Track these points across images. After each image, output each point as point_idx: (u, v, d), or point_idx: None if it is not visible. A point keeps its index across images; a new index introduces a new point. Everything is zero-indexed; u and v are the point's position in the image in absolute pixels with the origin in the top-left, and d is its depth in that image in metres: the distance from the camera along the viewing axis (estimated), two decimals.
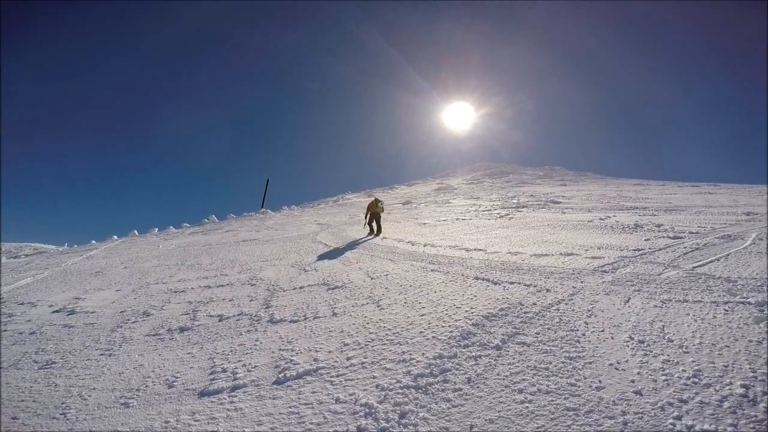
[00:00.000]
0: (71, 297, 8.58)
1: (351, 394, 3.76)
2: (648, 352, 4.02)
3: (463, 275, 6.80)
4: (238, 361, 4.74)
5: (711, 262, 6.64)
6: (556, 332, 4.56)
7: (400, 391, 3.71)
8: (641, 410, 3.14)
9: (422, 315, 5.24)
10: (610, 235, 9.45)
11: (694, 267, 6.45)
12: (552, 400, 3.38)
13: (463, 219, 13.80)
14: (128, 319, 6.72)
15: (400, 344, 4.56)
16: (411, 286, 6.51)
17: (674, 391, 3.34)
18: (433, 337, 4.62)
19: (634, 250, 7.75)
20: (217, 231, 18.61)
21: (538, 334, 4.55)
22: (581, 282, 6.14)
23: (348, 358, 4.41)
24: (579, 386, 3.55)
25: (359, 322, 5.30)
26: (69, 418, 3.99)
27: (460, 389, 3.66)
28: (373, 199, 12.63)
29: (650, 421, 3.02)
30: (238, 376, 4.38)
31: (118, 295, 8.38)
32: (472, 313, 5.14)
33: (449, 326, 4.83)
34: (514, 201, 18.17)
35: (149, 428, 3.65)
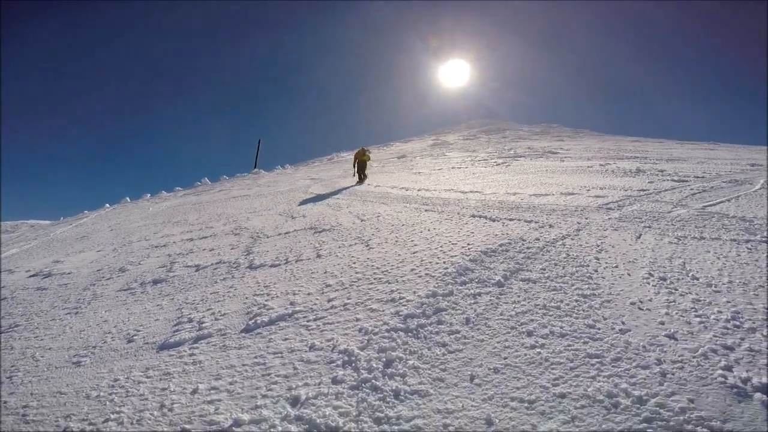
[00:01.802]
0: (50, 261, 7.87)
1: (329, 340, 3.10)
2: (673, 291, 3.38)
3: (458, 214, 6.08)
4: (207, 309, 4.08)
5: (721, 202, 6.01)
6: (564, 268, 3.89)
7: (386, 334, 3.05)
8: (680, 358, 2.47)
9: (414, 252, 4.54)
10: (611, 178, 8.71)
11: (704, 206, 5.78)
12: (569, 345, 2.71)
13: (459, 168, 12.95)
14: (103, 277, 6.05)
15: (389, 283, 3.89)
16: (403, 225, 5.80)
17: (714, 336, 2.68)
18: (426, 274, 3.94)
19: (638, 190, 7.04)
20: (209, 192, 17.76)
21: (544, 270, 3.87)
22: (586, 218, 5.44)
23: (329, 300, 3.74)
24: (599, 328, 2.90)
25: (345, 262, 4.61)
26: (14, 382, 3.35)
27: (458, 331, 2.99)
28: (360, 148, 12.58)
29: (694, 372, 2.35)
30: (204, 325, 3.72)
31: (98, 255, 7.68)
32: (469, 249, 4.44)
33: (444, 262, 4.14)
34: (510, 152, 17.24)
35: (95, 387, 3.01)
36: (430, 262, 4.20)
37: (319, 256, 4.99)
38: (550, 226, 5.11)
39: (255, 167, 26.05)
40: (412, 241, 4.98)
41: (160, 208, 14.11)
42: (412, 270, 4.08)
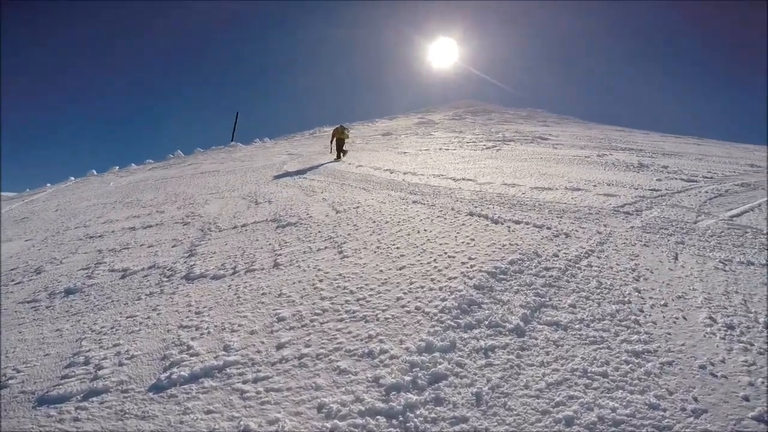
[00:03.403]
0: None
1: (271, 423, 1.95)
2: (748, 346, 2.42)
3: (453, 209, 4.91)
4: (114, 345, 2.84)
5: (746, 212, 5.06)
6: (600, 305, 2.83)
7: (358, 421, 1.91)
8: None
9: (401, 269, 3.37)
10: (614, 171, 7.68)
11: (730, 216, 4.82)
12: None
13: (446, 149, 11.71)
14: (12, 280, 4.62)
15: (366, 321, 2.72)
16: (387, 222, 4.58)
17: None
18: (417, 309, 2.79)
19: (650, 190, 6.03)
20: (180, 165, 16.02)
21: (575, 307, 2.79)
22: (605, 226, 4.37)
23: (279, 346, 2.55)
24: (664, 409, 1.89)
25: (309, 278, 3.40)
26: None
27: (465, 419, 1.89)
28: (338, 126, 11.72)
29: None
30: (102, 373, 2.50)
31: (22, 247, 6.18)
32: (471, 266, 3.30)
33: (441, 289, 2.99)
34: (498, 135, 16.06)
35: None
36: (422, 287, 3.04)
37: (276, 265, 3.76)
38: (566, 235, 4.02)
39: (232, 140, 24.07)
40: (397, 248, 3.79)
41: (121, 184, 12.45)
42: (398, 299, 2.92)
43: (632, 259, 3.57)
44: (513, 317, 2.68)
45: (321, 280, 3.32)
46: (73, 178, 18.43)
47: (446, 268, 3.29)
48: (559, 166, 8.26)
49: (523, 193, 5.65)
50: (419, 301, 2.88)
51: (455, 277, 3.15)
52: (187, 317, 3.12)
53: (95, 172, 19.04)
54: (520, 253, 3.53)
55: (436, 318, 2.68)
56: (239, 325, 2.88)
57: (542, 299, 2.90)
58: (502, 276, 3.18)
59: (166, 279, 3.92)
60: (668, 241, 4.02)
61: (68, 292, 4.01)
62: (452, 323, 2.60)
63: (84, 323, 3.31)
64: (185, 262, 4.24)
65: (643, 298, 2.94)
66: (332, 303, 2.98)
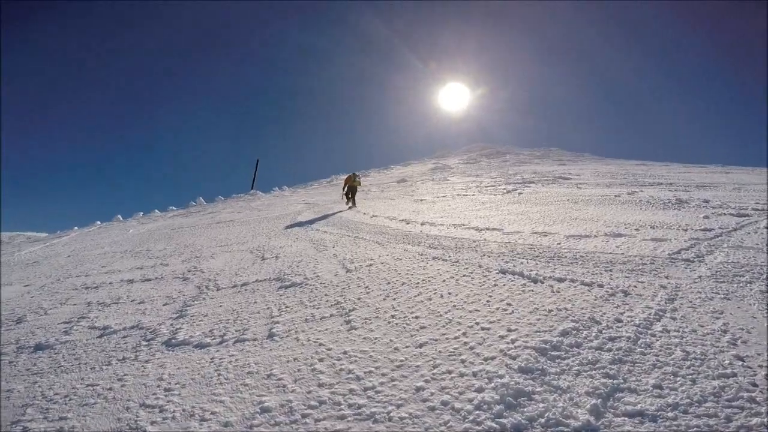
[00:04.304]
0: None
1: None
2: None
3: (480, 266, 4.17)
4: (60, 419, 2.37)
5: None
6: (695, 382, 2.08)
7: None
8: None
9: (421, 345, 2.63)
10: (653, 211, 6.86)
11: None
12: None
13: (464, 195, 11.13)
14: None
15: (375, 422, 1.98)
16: (404, 284, 3.87)
17: None
18: (444, 404, 2.04)
19: (701, 230, 5.21)
20: (199, 213, 15.97)
21: (661, 388, 2.04)
22: (667, 278, 3.56)
23: None
24: None
25: (307, 355, 2.69)
26: None
27: None
28: (351, 173, 11.63)
29: None
30: None
31: (18, 293, 5.78)
32: (512, 342, 2.55)
33: (474, 375, 2.24)
34: (517, 178, 15.48)
35: None
36: (449, 373, 2.30)
37: (270, 335, 3.07)
38: (625, 293, 3.23)
39: (252, 188, 24.34)
40: (416, 317, 3.06)
41: (139, 231, 12.29)
42: (418, 390, 2.17)
43: (717, 318, 2.75)
44: (579, 411, 1.91)
45: (321, 359, 2.61)
46: (99, 222, 18.66)
47: (480, 344, 2.53)
48: (590, 208, 7.50)
49: (559, 243, 4.89)
50: (446, 393, 2.13)
51: (493, 357, 2.39)
52: (153, 394, 2.48)
53: (120, 217, 19.26)
54: (572, 321, 2.76)
55: (470, 418, 1.93)
56: (212, 413, 2.20)
57: (615, 381, 2.11)
58: (554, 353, 2.40)
59: (145, 343, 3.30)
60: (751, 290, 3.19)
61: (38, 348, 3.54)
62: (494, 425, 1.83)
63: (39, 387, 2.79)
64: (171, 324, 3.62)
65: (750, 367, 2.13)
66: (332, 392, 2.25)
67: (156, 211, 20.09)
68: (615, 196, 8.81)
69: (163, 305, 4.22)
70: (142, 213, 20.13)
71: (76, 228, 18.27)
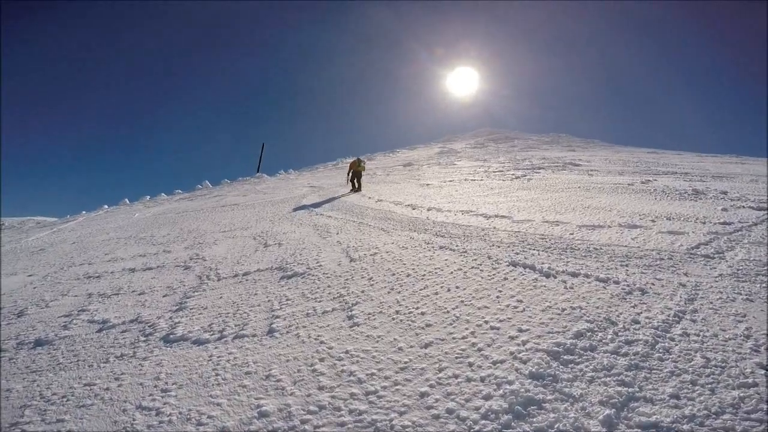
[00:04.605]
0: None
1: None
2: None
3: (489, 257, 4.00)
4: (58, 421, 2.33)
5: None
6: (714, 392, 1.96)
7: None
8: None
9: (426, 346, 2.49)
10: (668, 201, 6.58)
11: None
12: None
13: (472, 180, 10.87)
14: None
15: (378, 430, 1.87)
16: (409, 276, 3.72)
17: None
18: (449, 411, 1.92)
19: (720, 223, 4.96)
20: (205, 197, 15.90)
21: (679, 398, 1.93)
22: (686, 275, 3.37)
23: None
24: None
25: (307, 354, 2.58)
26: None
27: None
28: (355, 158, 11.46)
29: None
30: None
31: (21, 283, 5.75)
32: (523, 343, 2.40)
33: (482, 380, 2.11)
34: (526, 163, 15.11)
35: None
36: (456, 377, 2.16)
37: (270, 331, 2.96)
38: (642, 291, 3.05)
39: (258, 171, 24.19)
40: (422, 313, 2.92)
41: (145, 216, 12.28)
42: (423, 396, 2.05)
43: (740, 321, 2.58)
44: (591, 422, 1.78)
45: (322, 359, 2.49)
46: (106, 206, 18.75)
47: (488, 346, 2.39)
48: (603, 196, 7.24)
49: (571, 234, 4.69)
50: (452, 400, 2.00)
51: (502, 361, 2.25)
52: (150, 395, 2.40)
53: (127, 201, 19.31)
54: (587, 321, 2.60)
55: (476, 429, 1.81)
56: (209, 417, 2.11)
57: (630, 390, 1.97)
58: (567, 357, 2.26)
59: (143, 338, 3.22)
60: None
61: (38, 343, 3.49)
62: None
63: (37, 386, 2.74)
64: (170, 318, 3.53)
65: None
66: (333, 396, 2.14)
67: (162, 194, 20.09)
68: (628, 184, 8.51)
69: (163, 296, 4.14)
70: (149, 197, 20.15)
71: (84, 212, 18.39)
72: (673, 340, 2.41)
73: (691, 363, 2.18)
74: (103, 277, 5.33)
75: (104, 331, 3.49)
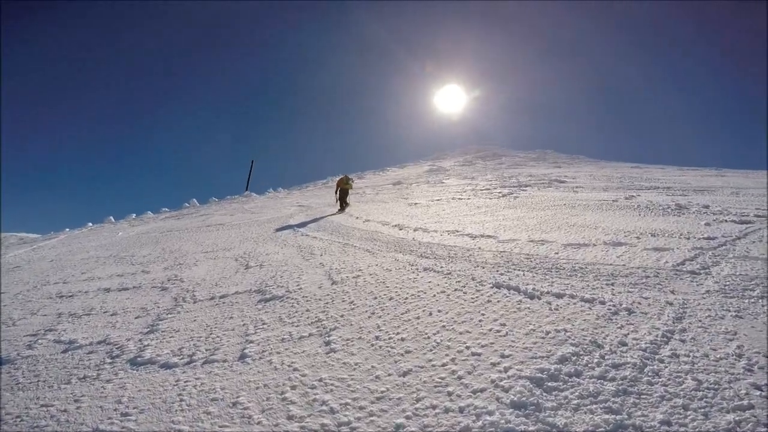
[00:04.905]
0: None
1: None
2: None
3: (473, 278, 3.91)
4: None
5: None
6: (707, 416, 1.88)
7: None
8: None
9: (404, 374, 2.36)
10: (652, 217, 6.63)
11: None
12: None
13: (460, 198, 10.89)
14: None
15: None
16: (391, 299, 3.59)
17: None
18: None
19: (704, 238, 4.97)
20: (191, 215, 15.65)
21: (670, 424, 1.83)
22: (672, 292, 3.33)
23: None
24: None
25: (279, 382, 2.43)
26: None
27: None
28: (343, 176, 11.50)
29: None
30: None
31: None
32: (505, 370, 2.29)
33: (461, 410, 1.99)
34: (513, 181, 15.26)
35: None
36: (433, 408, 2.04)
37: (242, 357, 2.80)
38: (628, 311, 2.98)
39: (246, 189, 24.03)
40: (401, 339, 2.79)
41: (128, 235, 11.98)
42: (397, 429, 1.91)
43: (731, 339, 2.51)
44: None
45: (294, 387, 2.34)
46: (90, 224, 18.30)
47: (469, 373, 2.28)
48: (588, 213, 7.27)
49: (557, 253, 4.65)
50: None
51: (483, 390, 2.13)
52: (108, 419, 2.26)
53: (112, 219, 18.89)
54: (572, 344, 2.51)
55: None
56: None
57: (618, 417, 1.87)
58: (551, 383, 2.15)
59: (109, 360, 3.05)
60: (763, 307, 2.95)
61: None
62: None
63: None
64: (140, 340, 3.35)
65: None
66: (302, 427, 1.99)
67: (149, 212, 19.75)
68: (612, 200, 8.59)
69: (135, 318, 3.95)
70: (134, 215, 19.77)
71: (67, 229, 17.95)
72: (662, 361, 2.33)
73: (682, 386, 2.09)
74: (77, 296, 5.09)
75: (70, 352, 3.30)
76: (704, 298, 3.18)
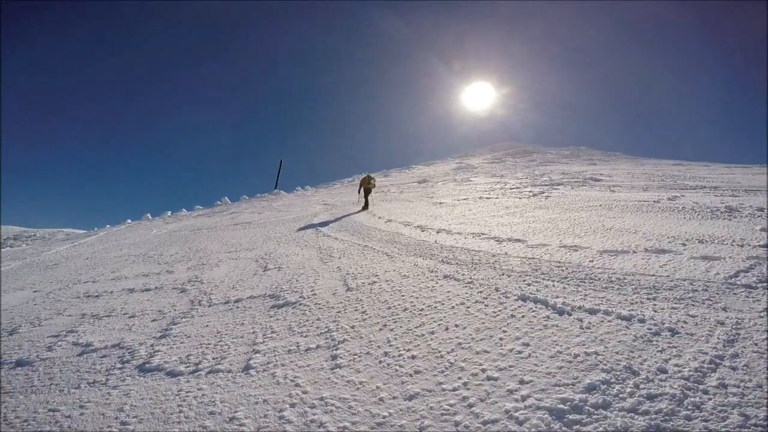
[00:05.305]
0: None
1: None
2: None
3: (497, 289, 3.63)
4: None
5: None
6: None
7: None
8: None
9: (410, 397, 2.17)
10: (699, 221, 6.03)
11: None
12: None
13: (487, 198, 10.48)
14: None
15: None
16: (406, 310, 3.39)
17: None
18: None
19: (761, 246, 4.41)
20: (222, 213, 16.11)
21: None
22: (724, 310, 2.93)
23: None
24: None
25: (279, 398, 2.30)
26: None
27: None
28: (366, 175, 11.76)
29: None
30: None
31: (25, 299, 5.76)
32: (522, 399, 2.05)
33: None
34: (544, 179, 14.58)
35: None
36: None
37: (246, 368, 2.70)
38: (672, 331, 2.63)
39: (276, 188, 24.48)
40: (412, 356, 2.59)
41: (161, 232, 12.46)
42: None
43: None
44: None
45: (293, 405, 2.21)
46: (129, 221, 19.27)
47: (481, 401, 2.05)
48: (626, 216, 6.73)
49: (591, 261, 4.27)
50: None
51: (494, 421, 1.90)
52: (108, 427, 2.26)
53: (149, 216, 19.80)
54: (603, 370, 2.22)
55: None
56: None
57: None
58: (573, 416, 1.89)
59: (119, 365, 3.07)
60: None
61: (18, 363, 3.44)
62: None
63: (4, 408, 2.64)
64: (152, 345, 3.35)
65: None
66: None
67: (183, 209, 20.55)
68: (654, 201, 7.94)
69: (152, 321, 3.97)
70: (170, 212, 20.62)
71: (107, 226, 18.97)
72: (706, 393, 2.01)
73: (726, 422, 1.78)
74: (102, 296, 5.24)
75: (85, 355, 3.36)
76: (761, 317, 2.77)
